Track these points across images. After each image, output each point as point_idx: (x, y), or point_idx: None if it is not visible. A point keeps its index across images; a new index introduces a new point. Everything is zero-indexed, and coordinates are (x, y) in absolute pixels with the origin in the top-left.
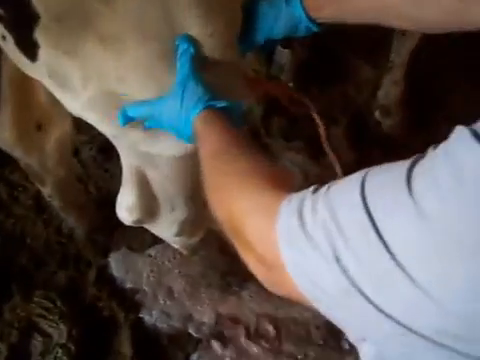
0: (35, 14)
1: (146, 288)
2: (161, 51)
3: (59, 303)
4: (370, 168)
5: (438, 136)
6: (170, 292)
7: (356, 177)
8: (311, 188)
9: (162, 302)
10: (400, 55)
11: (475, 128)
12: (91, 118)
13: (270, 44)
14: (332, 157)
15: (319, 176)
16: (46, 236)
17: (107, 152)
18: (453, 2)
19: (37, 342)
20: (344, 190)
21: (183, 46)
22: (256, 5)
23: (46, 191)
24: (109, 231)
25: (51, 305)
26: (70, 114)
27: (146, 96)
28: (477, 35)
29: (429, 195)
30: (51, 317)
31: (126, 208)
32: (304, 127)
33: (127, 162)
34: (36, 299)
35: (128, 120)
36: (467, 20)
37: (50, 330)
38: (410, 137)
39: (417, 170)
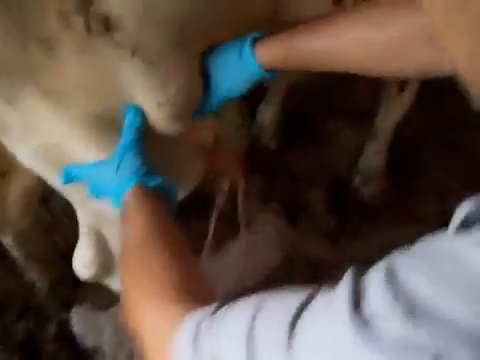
0: None
1: (107, 348)
2: (105, 113)
3: (16, 358)
4: (265, 297)
5: (419, 205)
6: (131, 355)
7: (249, 307)
8: (212, 307)
9: None
10: (386, 124)
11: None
12: (37, 169)
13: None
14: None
15: (294, 242)
16: (7, 285)
17: None
18: (426, 52)
19: None
20: (235, 321)
21: (129, 116)
22: (209, 69)
23: (6, 241)
24: (73, 284)
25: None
26: None
27: (88, 156)
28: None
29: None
30: None
31: (83, 264)
32: (283, 189)
33: (82, 218)
34: None
35: (70, 179)
36: (440, 67)
37: None
38: (390, 205)
39: (303, 319)
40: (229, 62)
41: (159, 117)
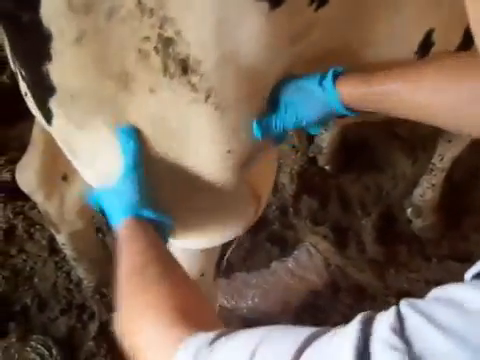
0: (52, 86)
1: None
2: (173, 155)
3: (55, 352)
4: (268, 331)
5: (467, 242)
6: None
7: (250, 342)
8: (211, 335)
9: None
10: (443, 160)
11: (372, 329)
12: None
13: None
14: None
15: (340, 267)
16: (55, 279)
17: None
18: None
19: None
20: (236, 352)
21: (123, 140)
22: (287, 94)
23: (60, 239)
24: None
25: (46, 352)
26: None
27: None
28: None
29: None
30: None
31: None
32: (334, 213)
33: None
34: (32, 343)
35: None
36: None
37: None
38: (439, 239)
39: (308, 353)
40: (310, 90)
41: (227, 165)
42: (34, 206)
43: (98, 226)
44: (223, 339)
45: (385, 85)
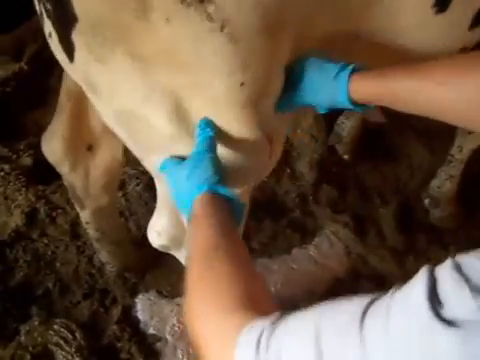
0: (74, 15)
1: (169, 337)
2: (187, 84)
3: (78, 336)
4: (325, 306)
5: None
6: (188, 348)
7: (310, 319)
8: (273, 317)
9: (180, 356)
10: (462, 151)
11: (435, 274)
12: (118, 132)
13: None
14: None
15: (360, 255)
16: (77, 264)
17: (154, 190)
18: None
19: None
20: (297, 331)
21: (202, 126)
22: (305, 70)
23: (84, 216)
24: (141, 271)
25: (70, 336)
26: (121, 143)
27: (161, 127)
28: None
29: (377, 341)
30: (68, 349)
31: (156, 231)
32: (353, 201)
33: (161, 188)
34: (55, 327)
35: (162, 169)
36: None
37: None
38: (457, 229)
39: (372, 311)
40: (324, 78)
41: (241, 98)
42: (56, 190)
43: (121, 210)
44: (284, 321)
45: (398, 80)
